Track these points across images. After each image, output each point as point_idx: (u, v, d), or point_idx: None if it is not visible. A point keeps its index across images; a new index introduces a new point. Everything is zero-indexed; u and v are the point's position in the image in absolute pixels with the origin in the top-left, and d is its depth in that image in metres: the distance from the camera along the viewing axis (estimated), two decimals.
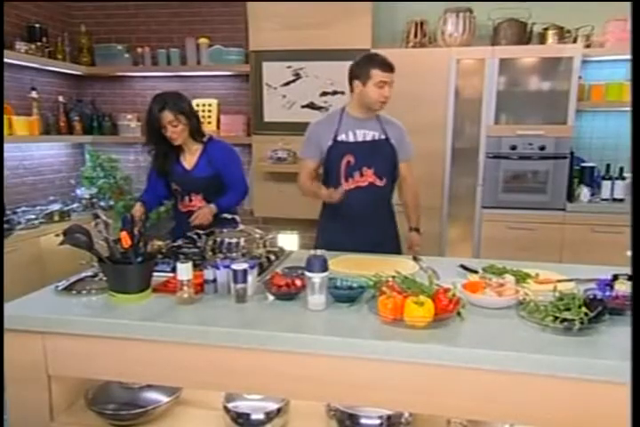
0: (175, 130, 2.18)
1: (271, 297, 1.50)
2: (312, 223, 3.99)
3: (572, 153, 3.33)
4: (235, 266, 1.45)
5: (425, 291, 1.35)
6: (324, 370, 1.29)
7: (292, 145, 3.66)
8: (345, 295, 1.44)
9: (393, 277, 1.49)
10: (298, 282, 1.47)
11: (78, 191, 4.03)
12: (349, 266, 1.81)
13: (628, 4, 3.36)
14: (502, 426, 1.35)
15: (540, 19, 3.43)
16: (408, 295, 1.29)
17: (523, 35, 3.41)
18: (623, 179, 3.42)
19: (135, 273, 1.45)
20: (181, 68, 4.02)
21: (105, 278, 1.51)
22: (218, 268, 1.51)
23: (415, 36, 3.49)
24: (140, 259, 1.45)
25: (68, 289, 1.56)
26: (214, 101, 4.08)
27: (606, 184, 3.42)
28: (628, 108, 3.48)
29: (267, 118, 3.75)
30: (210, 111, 4.09)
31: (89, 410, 1.45)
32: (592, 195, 3.41)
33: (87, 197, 3.96)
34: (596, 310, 1.22)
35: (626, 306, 1.33)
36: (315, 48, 3.54)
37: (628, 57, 3.43)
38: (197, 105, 4.04)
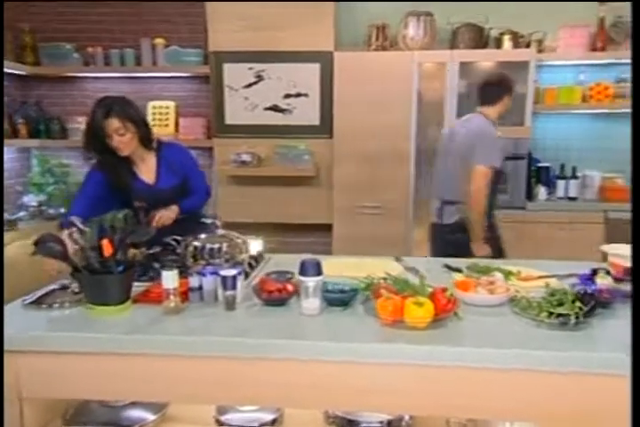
0: (122, 139, 1.93)
1: (259, 303, 1.45)
2: (276, 227, 3.96)
3: (529, 154, 3.45)
4: (223, 272, 1.39)
5: (419, 292, 1.34)
6: (322, 376, 1.25)
7: (257, 148, 3.60)
8: (338, 299, 1.41)
9: (384, 278, 1.48)
10: (289, 287, 1.43)
11: (25, 198, 3.79)
12: (332, 269, 1.77)
13: (579, 11, 3.55)
14: (502, 424, 1.36)
15: (496, 24, 3.54)
16: (407, 296, 1.28)
17: (480, 39, 3.51)
18: (576, 178, 3.59)
19: (116, 283, 1.36)
20: (136, 69, 3.87)
21: (77, 290, 1.42)
22: (204, 275, 1.44)
23: (377, 39, 3.52)
24: (120, 268, 1.36)
25: (36, 303, 1.45)
26: (172, 104, 3.95)
27: (561, 183, 3.57)
28: (579, 111, 3.67)
29: (228, 121, 3.67)
30: (167, 114, 3.96)
31: None
32: (549, 194, 3.55)
33: (35, 204, 3.73)
34: (590, 304, 1.25)
35: (612, 299, 1.37)
36: (277, 50, 3.50)
37: (578, 62, 3.63)
38: (154, 107, 3.92)
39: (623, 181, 3.59)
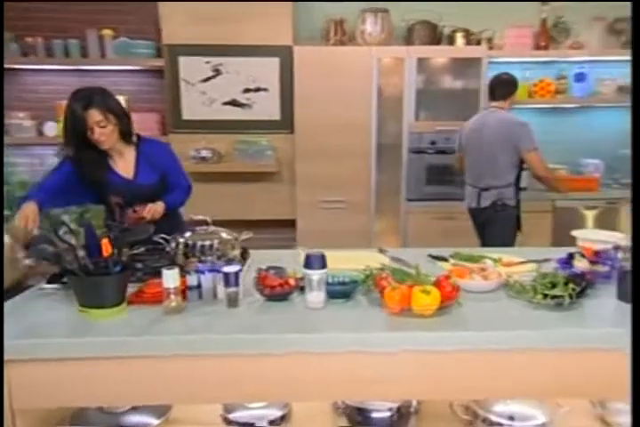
0: (104, 131, 1.86)
1: (261, 299, 1.43)
2: (238, 224, 3.88)
3: None
4: (226, 269, 1.36)
5: (419, 280, 1.37)
6: (333, 368, 1.25)
7: (216, 144, 3.53)
8: (341, 291, 1.42)
9: (381, 269, 1.50)
10: (291, 281, 1.42)
11: None
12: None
13: (523, 12, 3.73)
14: (502, 402, 1.42)
15: (449, 22, 3.66)
16: (413, 285, 1.31)
17: (434, 36, 3.62)
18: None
19: (113, 284, 1.30)
20: (82, 62, 3.67)
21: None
22: (203, 272, 1.41)
23: (335, 33, 3.54)
24: (118, 268, 1.30)
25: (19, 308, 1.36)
26: (122, 98, 3.78)
27: None
28: (526, 106, 3.86)
29: (185, 116, 3.57)
30: None
31: None
32: None
33: None
34: (581, 285, 1.34)
35: (594, 280, 1.47)
36: (234, 43, 3.44)
37: (524, 59, 3.82)
38: None
39: (567, 172, 3.84)
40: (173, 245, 1.60)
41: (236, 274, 1.36)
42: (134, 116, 3.75)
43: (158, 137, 3.73)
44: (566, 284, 1.34)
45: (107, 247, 1.26)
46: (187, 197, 2.18)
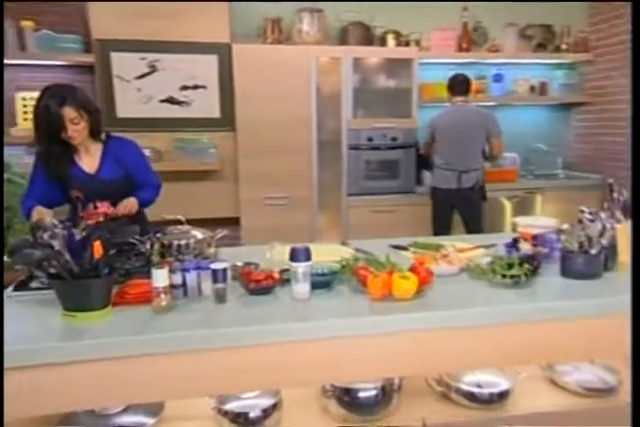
0: (77, 128, 1.90)
1: (244, 294, 1.48)
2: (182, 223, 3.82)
3: (417, 143, 3.82)
4: (214, 266, 1.39)
5: (395, 268, 1.49)
6: (324, 353, 1.33)
7: (155, 142, 3.45)
8: (322, 282, 1.50)
9: (356, 259, 1.60)
10: (275, 275, 1.48)
11: None
12: (283, 254, 1.83)
13: (447, 16, 3.99)
14: (471, 373, 1.58)
15: (380, 23, 3.84)
16: (392, 272, 1.42)
17: (367, 37, 3.77)
18: None
19: (102, 287, 1.29)
20: None
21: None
22: (187, 271, 1.43)
23: (272, 32, 3.59)
24: (106, 270, 1.29)
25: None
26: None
27: None
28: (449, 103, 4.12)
29: (120, 114, 3.45)
30: None
31: None
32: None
33: None
34: (534, 264, 1.52)
35: (541, 260, 1.66)
36: (171, 39, 3.38)
37: (449, 60, 4.09)
38: (24, 99, 3.52)
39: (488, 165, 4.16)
40: (148, 245, 1.60)
41: (224, 271, 1.40)
42: None
43: None
44: (521, 264, 1.51)
45: (98, 249, 1.25)
46: (157, 196, 2.20)
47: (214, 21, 3.42)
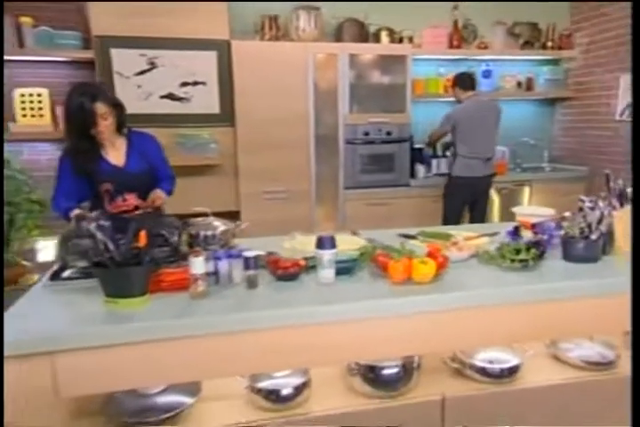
0: (106, 123, 2.01)
1: (272, 280, 1.56)
2: (182, 218, 3.87)
3: (411, 137, 3.94)
4: (246, 253, 1.48)
5: (413, 254, 1.59)
6: (351, 334, 1.43)
7: (158, 138, 3.47)
8: (345, 268, 1.59)
9: (374, 247, 1.70)
10: (301, 262, 1.57)
11: None
12: (304, 244, 1.93)
13: (438, 14, 4.10)
14: (483, 351, 1.70)
15: (374, 20, 3.93)
16: (412, 258, 1.52)
17: (362, 33, 3.87)
18: (446, 157, 4.20)
19: (143, 275, 1.37)
20: None
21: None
22: (219, 259, 1.51)
23: (270, 29, 3.65)
24: (148, 258, 1.37)
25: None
26: (44, 91, 3.59)
27: (435, 162, 4.15)
28: (442, 99, 4.26)
29: None
30: (40, 102, 3.59)
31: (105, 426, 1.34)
32: (426, 171, 4.10)
33: None
34: (540, 249, 1.64)
35: (546, 246, 1.78)
36: (170, 36, 3.42)
37: (438, 57, 4.20)
38: (22, 95, 3.53)
39: None
40: (176, 237, 1.67)
41: (255, 258, 1.49)
42: (60, 111, 3.64)
43: None
44: (528, 249, 1.63)
45: (143, 239, 1.33)
46: (174, 187, 2.29)
47: (213, 18, 3.47)
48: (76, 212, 1.87)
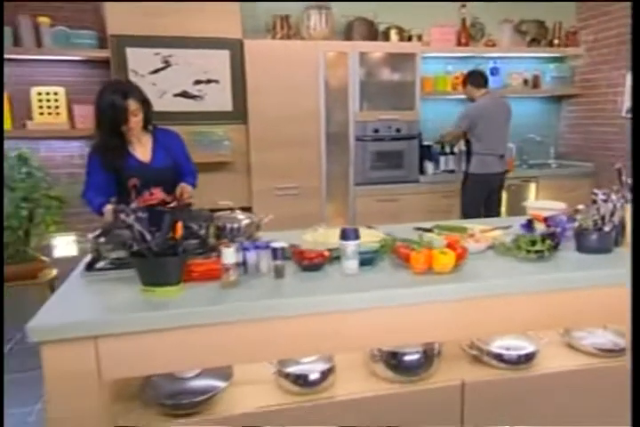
0: (136, 120, 2.09)
1: (297, 270, 1.63)
2: None
3: (419, 134, 4.00)
4: (274, 245, 1.54)
5: (432, 246, 1.65)
6: (374, 321, 1.49)
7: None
8: (367, 259, 1.66)
9: (394, 239, 1.77)
10: (326, 253, 1.64)
11: None
12: (327, 236, 1.98)
13: (447, 12, 4.15)
14: (500, 338, 1.76)
15: (383, 19, 3.99)
16: (432, 249, 1.59)
17: (371, 32, 3.92)
18: (453, 153, 4.26)
19: (178, 265, 1.43)
20: (16, 51, 3.49)
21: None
22: (248, 249, 1.58)
23: (282, 28, 3.71)
24: (181, 249, 1.44)
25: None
26: (61, 90, 3.66)
27: (442, 159, 4.21)
28: (450, 96, 4.31)
29: None
30: (57, 101, 3.66)
31: (141, 408, 1.41)
32: (435, 168, 4.16)
33: None
34: (555, 241, 1.70)
35: (560, 238, 1.83)
36: (184, 35, 3.48)
37: (449, 54, 4.26)
38: (39, 94, 3.60)
39: None
40: (204, 229, 1.74)
41: (282, 249, 1.55)
42: (78, 109, 3.72)
43: None
44: (543, 241, 1.69)
45: (179, 230, 1.39)
46: (197, 181, 2.39)
47: (226, 18, 3.53)
48: (111, 206, 1.92)
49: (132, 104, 2.06)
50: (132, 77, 3.49)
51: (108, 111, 2.03)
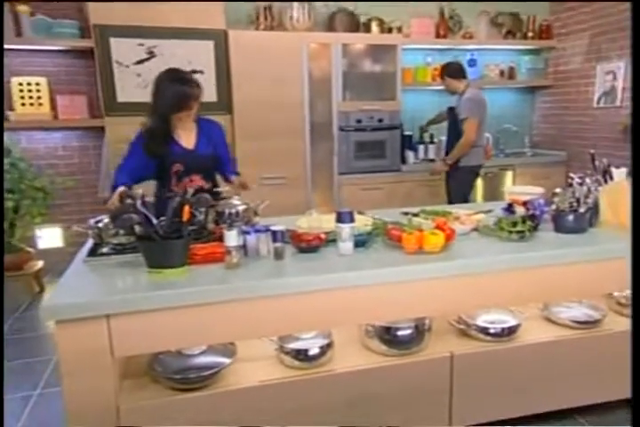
0: (197, 107, 2.19)
1: (294, 252, 1.71)
2: None
3: (401, 124, 4.10)
4: (273, 228, 1.62)
5: (422, 227, 1.75)
6: (370, 297, 1.58)
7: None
8: (361, 240, 1.75)
9: (385, 222, 1.86)
10: (322, 236, 1.72)
11: None
12: (321, 221, 2.06)
13: (425, 4, 4.24)
14: (485, 312, 1.88)
15: (363, 10, 4.06)
16: (423, 230, 1.69)
17: (353, 23, 3.99)
18: (433, 143, 4.38)
19: (184, 247, 1.50)
20: None
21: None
22: (248, 233, 1.65)
23: (265, 19, 3.75)
24: (186, 231, 1.50)
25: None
26: (43, 80, 3.64)
27: (422, 148, 4.33)
28: (429, 87, 4.42)
29: (120, 98, 3.55)
30: (39, 91, 3.64)
31: (150, 384, 1.48)
32: (415, 157, 4.27)
33: None
34: (535, 222, 1.82)
35: (540, 219, 1.96)
36: (168, 26, 3.49)
37: (428, 46, 4.36)
38: (20, 84, 3.57)
39: None
40: (203, 215, 1.81)
41: (282, 232, 1.63)
42: (60, 100, 3.71)
43: (88, 120, 3.69)
44: (524, 222, 1.81)
45: (187, 213, 1.46)
46: (237, 170, 2.52)
47: (210, 8, 3.55)
48: (122, 188, 1.94)
49: (198, 92, 2.15)
50: (117, 68, 3.50)
51: (173, 98, 2.11)
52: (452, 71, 3.65)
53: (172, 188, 2.21)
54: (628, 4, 3.86)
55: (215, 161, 2.37)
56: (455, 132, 3.65)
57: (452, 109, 3.73)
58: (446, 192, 3.85)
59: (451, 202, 3.79)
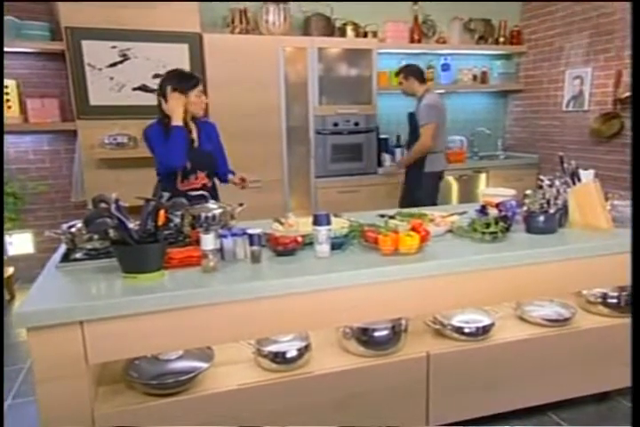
0: (200, 99, 2.35)
1: (271, 255, 1.71)
2: None
3: (377, 127, 4.14)
4: (250, 231, 1.62)
5: (397, 229, 1.78)
6: (345, 299, 1.59)
7: (131, 129, 3.54)
8: (337, 243, 1.76)
9: (360, 225, 1.88)
10: (299, 239, 1.73)
11: None
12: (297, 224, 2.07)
13: (400, 9, 4.30)
14: (460, 312, 1.91)
15: (339, 15, 4.09)
16: (398, 232, 1.71)
17: (329, 27, 4.02)
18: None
19: (159, 251, 1.49)
20: None
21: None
22: (225, 237, 1.65)
23: (240, 22, 3.75)
24: (162, 236, 1.49)
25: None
26: (12, 82, 3.57)
27: (398, 151, 4.38)
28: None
29: (93, 102, 3.51)
30: (8, 94, 3.56)
31: (126, 390, 1.46)
32: (391, 160, 4.32)
33: None
34: (507, 223, 1.86)
35: (512, 220, 2.00)
36: (142, 28, 3.46)
37: (402, 51, 4.42)
38: None
39: None
40: (179, 218, 1.80)
41: (259, 235, 1.63)
42: (31, 103, 3.64)
43: (59, 124, 3.62)
44: (496, 223, 1.85)
45: (162, 217, 1.45)
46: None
47: (184, 11, 3.53)
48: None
49: (200, 81, 2.32)
50: (89, 71, 3.46)
51: (177, 77, 2.30)
52: (415, 72, 3.61)
53: (178, 186, 2.32)
54: (597, 9, 3.99)
55: (216, 159, 2.48)
56: (415, 137, 3.63)
57: (412, 115, 3.70)
58: (401, 195, 3.81)
59: (402, 206, 3.75)
